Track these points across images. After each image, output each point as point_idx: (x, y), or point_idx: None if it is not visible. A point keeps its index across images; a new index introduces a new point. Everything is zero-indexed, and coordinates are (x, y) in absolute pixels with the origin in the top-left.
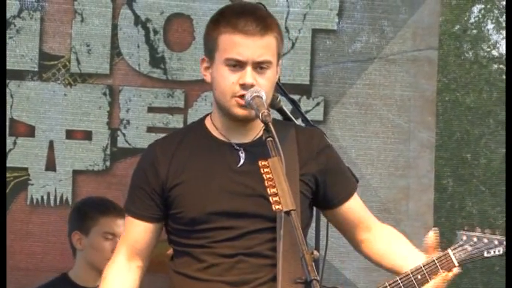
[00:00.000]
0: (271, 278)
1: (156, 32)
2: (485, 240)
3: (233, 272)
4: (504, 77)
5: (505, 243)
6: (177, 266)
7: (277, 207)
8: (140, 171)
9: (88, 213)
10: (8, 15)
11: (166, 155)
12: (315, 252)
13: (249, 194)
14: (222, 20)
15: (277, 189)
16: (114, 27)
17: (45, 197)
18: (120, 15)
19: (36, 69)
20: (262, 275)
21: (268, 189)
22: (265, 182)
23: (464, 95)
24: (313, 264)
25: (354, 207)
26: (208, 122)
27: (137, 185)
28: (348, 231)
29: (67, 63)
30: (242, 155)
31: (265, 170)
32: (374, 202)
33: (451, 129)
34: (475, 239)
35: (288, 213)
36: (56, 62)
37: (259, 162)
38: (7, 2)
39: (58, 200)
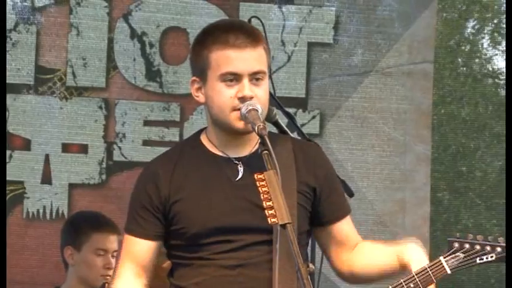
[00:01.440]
0: None
1: (152, 46)
2: (478, 247)
3: (233, 286)
4: (499, 90)
5: (498, 249)
6: (177, 279)
7: (272, 220)
8: (141, 190)
9: (81, 229)
10: None
11: (167, 172)
12: (311, 265)
13: (249, 207)
14: (210, 38)
15: (272, 203)
16: (110, 41)
17: (41, 211)
18: (116, 29)
19: (32, 83)
20: None
21: (264, 203)
22: (261, 195)
23: (460, 108)
24: (309, 277)
25: (345, 229)
26: (204, 138)
27: (139, 204)
28: (332, 250)
29: (63, 76)
30: (241, 168)
31: (261, 183)
32: (370, 215)
33: (446, 142)
34: (467, 246)
35: (283, 226)
36: (51, 76)
37: (255, 175)
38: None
39: (54, 213)
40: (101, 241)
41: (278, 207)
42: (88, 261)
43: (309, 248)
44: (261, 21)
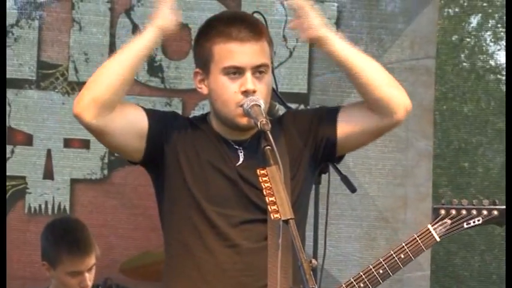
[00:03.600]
0: (266, 284)
1: None
2: (464, 212)
3: (231, 277)
4: (502, 86)
5: (484, 212)
6: (171, 263)
7: (275, 216)
8: (169, 114)
9: (56, 249)
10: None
11: (183, 129)
12: (313, 260)
13: (248, 187)
14: (213, 31)
15: (275, 198)
16: (112, 36)
17: (43, 206)
18: (118, 24)
19: (34, 78)
20: (260, 281)
21: (266, 198)
22: (264, 190)
23: (462, 104)
24: (312, 272)
25: (348, 115)
26: (209, 119)
27: (162, 113)
28: (368, 131)
29: (65, 71)
30: (241, 154)
31: (264, 178)
32: (372, 211)
33: (448, 138)
34: (453, 212)
35: (286, 222)
36: (54, 71)
37: (258, 171)
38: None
39: (56, 208)
40: (75, 264)
41: (281, 203)
42: (62, 281)
43: (311, 244)
44: (263, 16)
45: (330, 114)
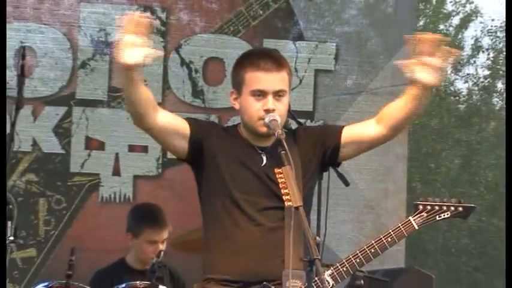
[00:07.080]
0: (283, 255)
1: (196, 71)
2: (437, 207)
3: (256, 248)
4: (459, 106)
5: (452, 208)
6: (208, 239)
7: (288, 203)
8: (208, 123)
9: (138, 222)
10: (84, 57)
11: (219, 134)
12: (317, 237)
13: (270, 182)
14: (246, 61)
15: (288, 190)
16: (165, 68)
17: (112, 196)
18: (169, 59)
19: (106, 99)
20: (277, 252)
21: (282, 190)
22: (280, 184)
23: (430, 119)
24: (316, 247)
25: (351, 130)
26: (239, 129)
27: (200, 121)
28: (363, 143)
29: None
30: (264, 157)
31: (280, 175)
32: (361, 201)
33: (419, 145)
34: (428, 207)
35: (296, 208)
36: (120, 94)
37: (275, 169)
38: (83, 47)
39: (122, 198)
40: (152, 235)
41: (292, 194)
42: (142, 248)
43: (315, 225)
44: (278, 52)
45: (336, 130)
